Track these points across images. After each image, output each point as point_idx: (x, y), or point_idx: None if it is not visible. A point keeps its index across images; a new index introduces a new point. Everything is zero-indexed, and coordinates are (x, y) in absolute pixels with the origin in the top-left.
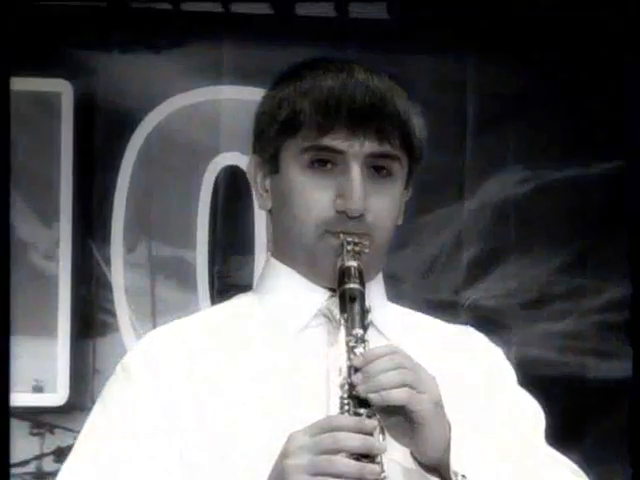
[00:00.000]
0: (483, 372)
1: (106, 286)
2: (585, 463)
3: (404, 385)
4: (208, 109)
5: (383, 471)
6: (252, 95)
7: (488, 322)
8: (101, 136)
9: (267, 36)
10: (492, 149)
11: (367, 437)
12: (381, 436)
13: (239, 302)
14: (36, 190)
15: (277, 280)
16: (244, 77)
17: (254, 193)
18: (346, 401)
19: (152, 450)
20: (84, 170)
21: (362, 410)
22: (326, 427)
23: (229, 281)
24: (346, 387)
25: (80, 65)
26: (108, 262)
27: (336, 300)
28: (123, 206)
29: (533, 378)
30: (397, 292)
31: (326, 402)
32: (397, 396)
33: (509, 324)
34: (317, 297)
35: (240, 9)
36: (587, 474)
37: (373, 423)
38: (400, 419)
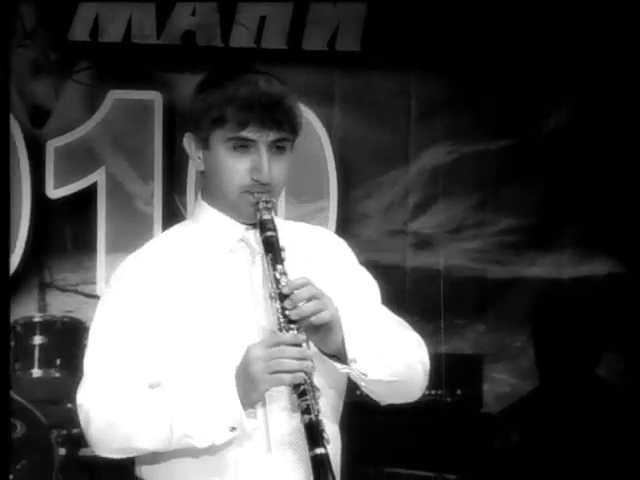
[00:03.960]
0: (337, 256)
1: None
2: (488, 330)
3: (322, 309)
4: None
5: (314, 367)
6: None
7: (425, 244)
8: (179, 127)
9: (284, 63)
10: (428, 131)
11: (303, 349)
12: (306, 343)
13: (179, 230)
14: (139, 160)
15: (207, 215)
16: None
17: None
18: (282, 320)
19: (130, 338)
20: (169, 148)
21: (293, 326)
22: (273, 342)
23: None
24: (280, 310)
25: (166, 82)
26: (185, 206)
27: (252, 231)
28: (194, 170)
29: (455, 279)
30: (368, 223)
31: (253, 305)
32: (324, 317)
33: (439, 244)
34: (238, 228)
35: (267, 45)
36: (489, 338)
37: (303, 336)
38: (313, 327)
